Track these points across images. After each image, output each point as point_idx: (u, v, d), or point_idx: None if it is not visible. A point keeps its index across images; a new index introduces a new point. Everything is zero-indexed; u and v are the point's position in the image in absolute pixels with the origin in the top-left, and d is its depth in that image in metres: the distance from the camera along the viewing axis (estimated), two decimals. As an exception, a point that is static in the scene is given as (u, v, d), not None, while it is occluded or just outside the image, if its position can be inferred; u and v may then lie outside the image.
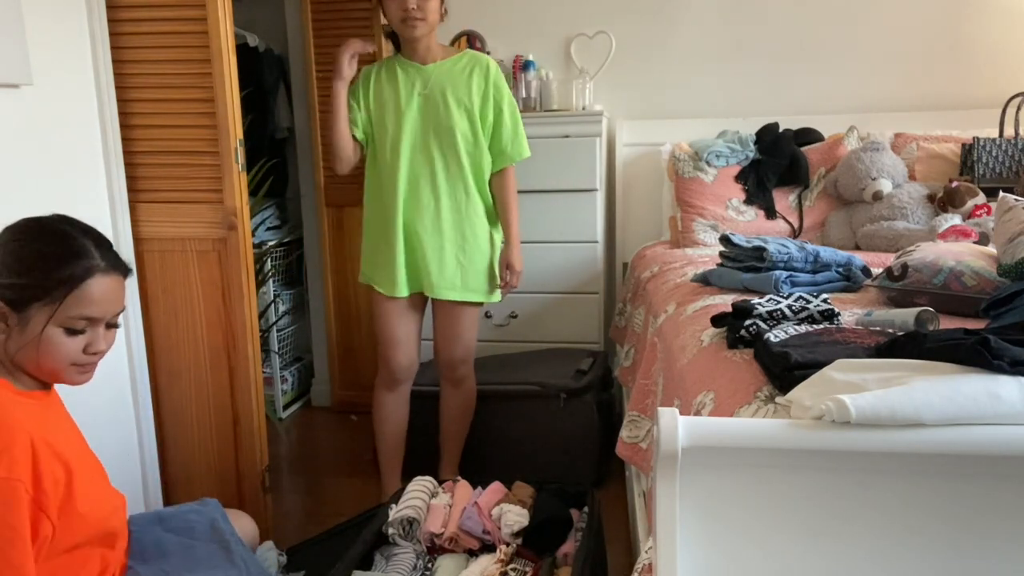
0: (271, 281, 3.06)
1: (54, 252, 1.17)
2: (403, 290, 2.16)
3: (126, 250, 2.03)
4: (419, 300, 2.24)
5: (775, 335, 1.20)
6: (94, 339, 1.21)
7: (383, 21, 2.27)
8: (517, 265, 2.22)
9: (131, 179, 2.02)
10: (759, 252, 1.77)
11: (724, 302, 1.60)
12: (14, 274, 1.15)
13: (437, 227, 2.13)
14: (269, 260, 3.06)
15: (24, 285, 1.15)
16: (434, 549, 1.78)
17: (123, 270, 1.25)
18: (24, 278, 1.15)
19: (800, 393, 0.92)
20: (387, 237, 2.14)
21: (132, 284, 2.06)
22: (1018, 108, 2.56)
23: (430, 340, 3.03)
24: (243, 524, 1.54)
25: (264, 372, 2.69)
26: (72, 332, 1.18)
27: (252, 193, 2.37)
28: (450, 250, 2.15)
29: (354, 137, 2.14)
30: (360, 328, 3.15)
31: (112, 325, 1.24)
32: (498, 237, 2.25)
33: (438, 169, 2.12)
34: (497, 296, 2.27)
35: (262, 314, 2.75)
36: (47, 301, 1.15)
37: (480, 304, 2.25)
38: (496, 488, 1.91)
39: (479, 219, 2.18)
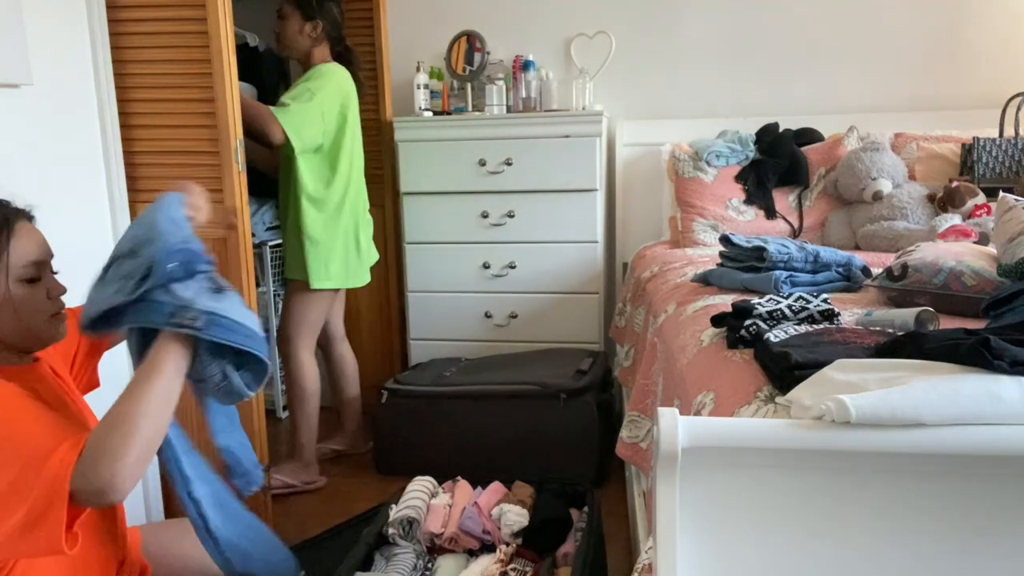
0: (271, 281, 3.05)
1: None
2: None
3: (126, 250, 2.03)
4: None
5: (775, 335, 1.20)
6: (50, 284, 1.21)
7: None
8: None
9: (131, 179, 2.02)
10: (759, 252, 1.77)
11: (724, 302, 1.60)
12: None
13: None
14: (269, 260, 3.06)
15: None
16: (434, 549, 1.78)
17: (29, 216, 1.24)
18: None
19: (800, 393, 0.92)
20: None
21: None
22: (1018, 108, 2.56)
23: (424, 340, 3.05)
24: None
25: (264, 372, 2.69)
26: (31, 282, 1.17)
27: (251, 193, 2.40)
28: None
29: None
30: (360, 328, 3.15)
31: (54, 272, 1.25)
32: (307, 220, 2.41)
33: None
34: (314, 281, 2.44)
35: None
36: None
37: (298, 281, 2.47)
38: (496, 488, 1.91)
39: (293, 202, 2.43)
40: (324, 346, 2.72)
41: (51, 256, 1.23)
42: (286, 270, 2.53)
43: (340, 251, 2.48)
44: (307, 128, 2.32)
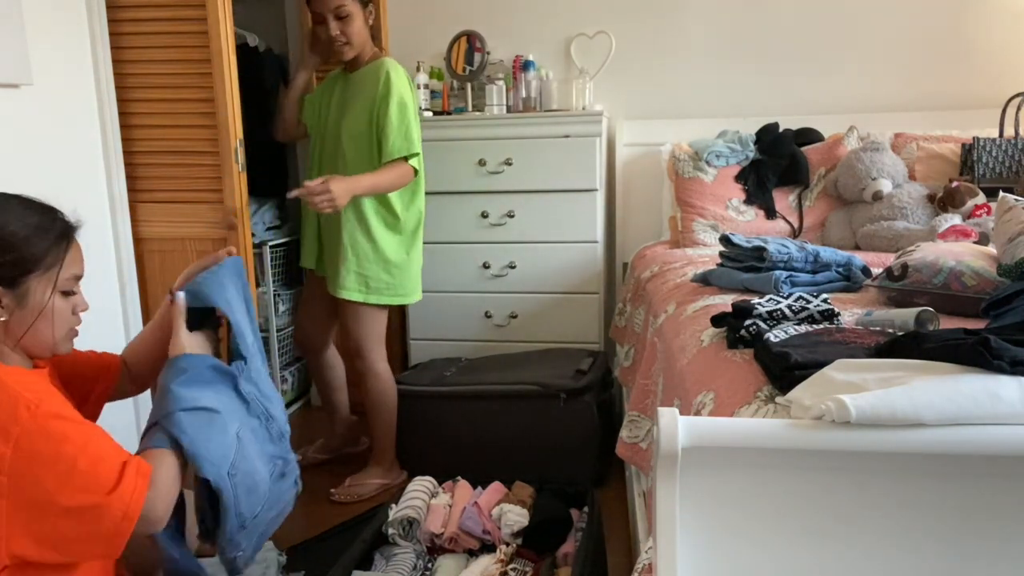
0: (271, 281, 3.06)
1: (37, 223, 1.14)
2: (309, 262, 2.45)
3: (126, 250, 2.03)
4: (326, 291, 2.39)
5: (775, 335, 1.20)
6: (78, 300, 1.21)
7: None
8: (334, 186, 2.03)
9: (131, 179, 2.03)
10: (759, 252, 1.77)
11: (724, 302, 1.60)
12: (3, 252, 1.10)
13: (335, 224, 2.27)
14: (268, 260, 3.06)
15: (16, 260, 1.11)
16: (434, 549, 1.78)
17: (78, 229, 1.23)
18: (15, 253, 1.11)
19: (800, 393, 0.92)
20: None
21: (132, 284, 2.06)
22: (1018, 108, 2.56)
23: (424, 340, 3.05)
24: None
25: (264, 372, 2.68)
26: (67, 295, 1.17)
27: (251, 192, 2.39)
28: (335, 248, 2.28)
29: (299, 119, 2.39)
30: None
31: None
32: (372, 246, 2.28)
33: (338, 167, 2.25)
34: (369, 296, 2.29)
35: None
36: (44, 269, 1.13)
37: (359, 304, 2.29)
38: (496, 488, 1.92)
39: (359, 222, 2.25)
40: (319, 351, 2.61)
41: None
42: (344, 290, 2.28)
43: (416, 270, 2.41)
44: (418, 143, 2.24)
